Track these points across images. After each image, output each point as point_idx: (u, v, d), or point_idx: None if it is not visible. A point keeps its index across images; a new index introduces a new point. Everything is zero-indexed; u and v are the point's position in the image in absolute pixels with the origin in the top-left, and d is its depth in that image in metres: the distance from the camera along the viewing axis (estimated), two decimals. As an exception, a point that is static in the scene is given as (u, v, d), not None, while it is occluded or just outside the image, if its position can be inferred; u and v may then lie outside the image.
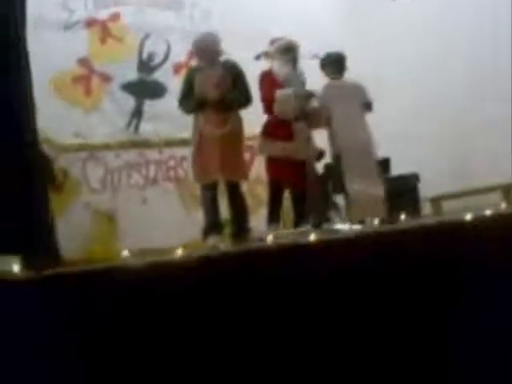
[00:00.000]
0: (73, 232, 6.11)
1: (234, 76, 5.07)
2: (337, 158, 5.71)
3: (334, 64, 5.82)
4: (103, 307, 1.96)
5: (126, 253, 2.47)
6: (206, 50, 5.05)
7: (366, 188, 5.20)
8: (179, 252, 2.20)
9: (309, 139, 5.24)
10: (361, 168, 5.30)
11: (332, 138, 5.69)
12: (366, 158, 5.44)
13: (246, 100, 5.15)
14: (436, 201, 6.78)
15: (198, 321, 2.03)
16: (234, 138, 5.01)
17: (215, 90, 4.91)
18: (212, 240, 4.81)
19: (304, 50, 5.65)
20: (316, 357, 2.19)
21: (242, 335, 2.07)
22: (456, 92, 7.37)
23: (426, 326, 2.51)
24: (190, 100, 4.98)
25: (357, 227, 4.82)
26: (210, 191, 4.99)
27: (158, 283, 1.99)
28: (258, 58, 5.36)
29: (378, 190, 5.27)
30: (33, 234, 2.00)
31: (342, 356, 2.25)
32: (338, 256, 2.27)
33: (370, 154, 5.50)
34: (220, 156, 4.83)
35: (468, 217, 2.55)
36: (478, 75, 7.11)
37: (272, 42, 5.46)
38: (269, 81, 5.28)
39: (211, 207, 4.97)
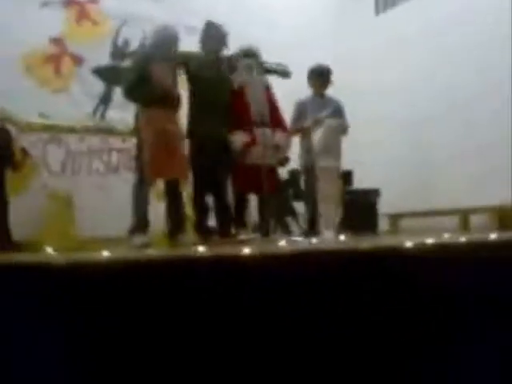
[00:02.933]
0: (29, 213, 6.08)
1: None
2: (306, 170, 5.73)
3: (320, 77, 5.84)
4: (22, 302, 1.92)
5: (49, 250, 2.41)
6: (169, 40, 4.83)
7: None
8: (105, 253, 2.15)
9: (273, 145, 5.15)
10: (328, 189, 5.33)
11: (305, 151, 5.70)
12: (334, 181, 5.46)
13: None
14: (394, 218, 6.85)
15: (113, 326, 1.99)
16: (181, 135, 4.88)
17: (174, 85, 4.81)
18: (138, 239, 4.63)
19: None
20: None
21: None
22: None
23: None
24: (143, 89, 4.62)
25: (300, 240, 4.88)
26: (147, 189, 4.79)
27: (78, 284, 1.95)
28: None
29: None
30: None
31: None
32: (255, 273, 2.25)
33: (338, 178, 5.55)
34: (174, 154, 4.69)
35: (408, 244, 2.53)
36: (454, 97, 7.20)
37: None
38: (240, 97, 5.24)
39: (144, 205, 4.81)
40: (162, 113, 4.66)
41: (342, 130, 5.67)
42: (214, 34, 5.17)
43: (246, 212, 5.43)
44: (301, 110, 5.73)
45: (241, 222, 5.24)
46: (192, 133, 5.02)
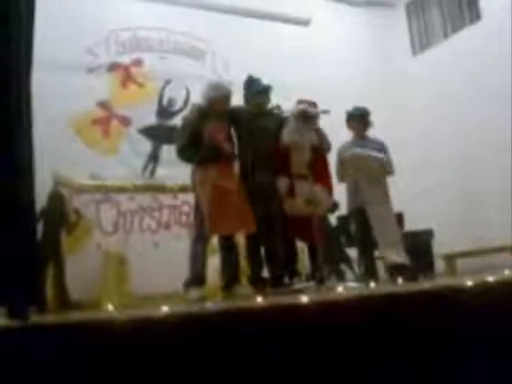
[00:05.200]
0: (84, 272, 6.17)
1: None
2: (352, 212, 5.69)
3: (359, 119, 5.83)
4: (85, 359, 1.94)
5: (110, 307, 2.44)
6: (224, 99, 4.93)
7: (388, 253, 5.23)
8: (164, 308, 2.16)
9: (312, 196, 5.13)
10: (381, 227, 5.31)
11: (350, 193, 5.67)
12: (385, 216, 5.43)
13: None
14: (450, 258, 6.70)
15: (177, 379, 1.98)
16: (238, 189, 4.83)
17: (228, 142, 4.84)
18: (194, 293, 4.60)
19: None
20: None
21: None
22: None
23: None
24: (195, 149, 4.71)
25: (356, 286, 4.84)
26: (205, 244, 4.80)
27: (139, 339, 1.96)
28: (270, 110, 5.30)
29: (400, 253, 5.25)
30: (15, 282, 1.96)
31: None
32: (321, 319, 2.22)
33: (389, 212, 5.49)
34: (231, 209, 4.74)
35: (469, 282, 2.48)
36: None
37: (297, 102, 5.41)
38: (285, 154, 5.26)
39: (202, 260, 4.83)
40: (215, 170, 4.70)
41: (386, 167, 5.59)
42: (255, 89, 5.22)
43: (299, 260, 5.41)
44: (342, 154, 5.72)
45: (293, 271, 5.22)
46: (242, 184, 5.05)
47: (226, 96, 4.92)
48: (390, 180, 5.72)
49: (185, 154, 4.83)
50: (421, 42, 8.93)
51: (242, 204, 4.78)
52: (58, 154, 6.38)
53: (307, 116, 5.20)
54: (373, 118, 5.89)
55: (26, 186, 2.10)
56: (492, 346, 2.46)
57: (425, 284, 2.98)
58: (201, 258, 4.76)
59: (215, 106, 4.86)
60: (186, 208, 6.85)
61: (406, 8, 9.20)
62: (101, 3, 7.19)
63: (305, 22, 8.24)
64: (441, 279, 4.77)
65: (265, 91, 5.19)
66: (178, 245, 6.50)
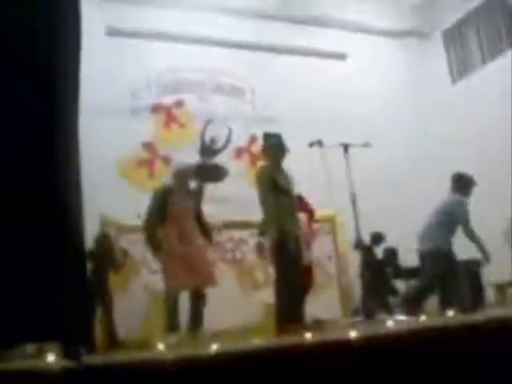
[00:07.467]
0: (131, 312, 6.23)
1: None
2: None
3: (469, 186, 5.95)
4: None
5: (161, 346, 2.45)
6: (186, 180, 5.63)
7: None
8: (214, 347, 2.17)
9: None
10: None
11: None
12: None
13: None
14: (500, 287, 6.56)
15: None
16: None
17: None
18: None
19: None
20: None
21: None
22: None
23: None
24: (161, 216, 5.33)
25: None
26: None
27: (190, 378, 1.97)
28: (311, 145, 5.34)
29: None
30: (69, 321, 1.99)
31: None
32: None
33: None
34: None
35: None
36: None
37: None
38: None
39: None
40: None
41: None
42: (274, 144, 5.24)
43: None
44: None
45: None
46: None
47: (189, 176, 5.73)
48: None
49: (149, 229, 5.39)
50: (459, 68, 8.90)
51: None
52: (104, 195, 6.50)
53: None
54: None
55: (76, 230, 2.14)
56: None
57: (477, 316, 2.92)
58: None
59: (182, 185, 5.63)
60: (229, 244, 6.89)
61: (442, 36, 9.22)
62: (141, 46, 7.42)
63: (342, 56, 8.30)
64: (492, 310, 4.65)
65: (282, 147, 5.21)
66: (222, 283, 6.52)
